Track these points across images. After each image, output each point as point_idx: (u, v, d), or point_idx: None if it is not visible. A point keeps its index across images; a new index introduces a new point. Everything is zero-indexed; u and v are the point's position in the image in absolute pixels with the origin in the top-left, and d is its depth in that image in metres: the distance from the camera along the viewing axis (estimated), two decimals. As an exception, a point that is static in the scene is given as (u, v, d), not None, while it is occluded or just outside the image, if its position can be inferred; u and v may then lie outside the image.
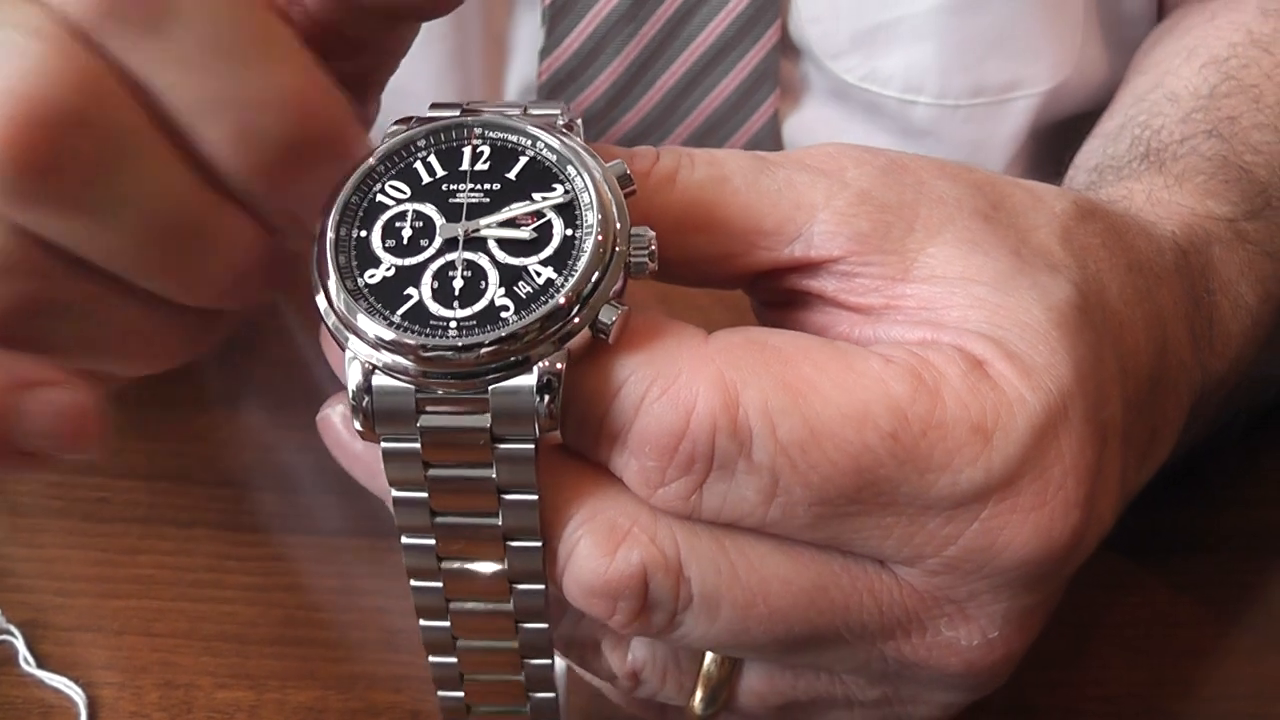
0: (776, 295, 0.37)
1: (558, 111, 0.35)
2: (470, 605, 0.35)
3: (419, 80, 0.66)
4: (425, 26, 0.64)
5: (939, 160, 0.37)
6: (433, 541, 0.34)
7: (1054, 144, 0.71)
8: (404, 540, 0.34)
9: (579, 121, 0.35)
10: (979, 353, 0.33)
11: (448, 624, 0.35)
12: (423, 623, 0.35)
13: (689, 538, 0.33)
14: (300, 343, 0.37)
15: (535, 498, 0.32)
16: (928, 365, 0.32)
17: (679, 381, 0.31)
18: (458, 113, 0.35)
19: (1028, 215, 0.37)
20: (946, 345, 0.33)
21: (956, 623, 0.34)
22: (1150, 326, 0.38)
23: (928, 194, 0.35)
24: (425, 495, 0.33)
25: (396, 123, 0.35)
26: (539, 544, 0.33)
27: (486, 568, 0.34)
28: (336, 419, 0.35)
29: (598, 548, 0.32)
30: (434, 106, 0.36)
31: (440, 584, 0.34)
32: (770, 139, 0.68)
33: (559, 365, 0.31)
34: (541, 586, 0.34)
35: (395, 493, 0.33)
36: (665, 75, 0.67)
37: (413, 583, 0.34)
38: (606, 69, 0.66)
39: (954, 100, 0.67)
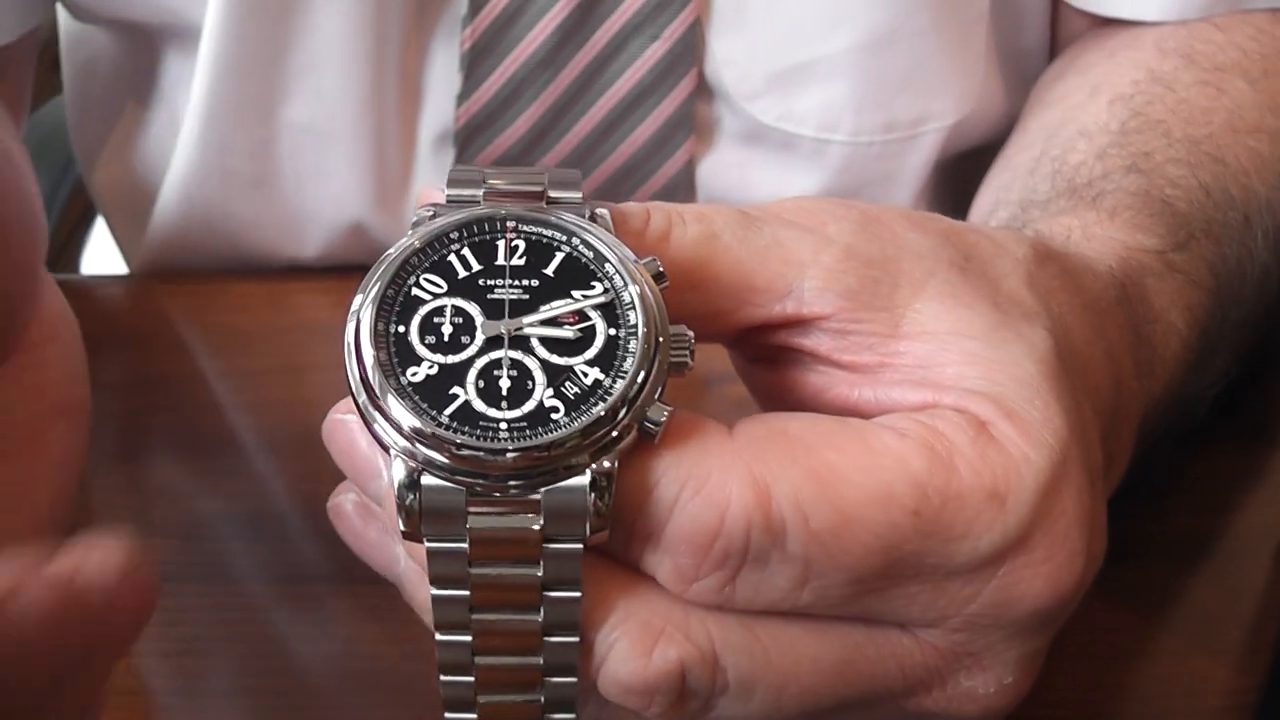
0: (764, 352, 0.38)
1: (580, 196, 0.35)
2: (499, 697, 0.35)
3: (336, 123, 0.67)
4: (342, 71, 0.66)
5: (905, 210, 0.38)
6: (468, 638, 0.33)
7: (954, 175, 0.74)
8: (439, 637, 0.33)
9: (606, 214, 0.35)
10: (981, 413, 0.34)
11: (474, 716, 0.35)
12: (448, 715, 0.35)
13: (721, 629, 0.33)
14: None
15: (579, 594, 0.32)
16: (939, 436, 0.33)
17: (711, 481, 0.32)
18: (479, 185, 0.35)
19: (995, 263, 0.38)
20: (950, 410, 0.34)
21: (974, 673, 0.35)
22: (1107, 362, 0.40)
23: (905, 248, 0.36)
24: (466, 593, 0.32)
25: (423, 206, 0.35)
26: (576, 639, 0.33)
27: (521, 662, 0.34)
28: (349, 507, 0.35)
29: (634, 648, 0.33)
30: (455, 171, 0.36)
31: (471, 678, 0.34)
32: (685, 183, 0.69)
33: (608, 464, 0.31)
34: (573, 679, 0.34)
35: (435, 591, 0.32)
36: (582, 121, 0.68)
37: (443, 677, 0.34)
38: (524, 114, 0.67)
39: (868, 137, 0.69)
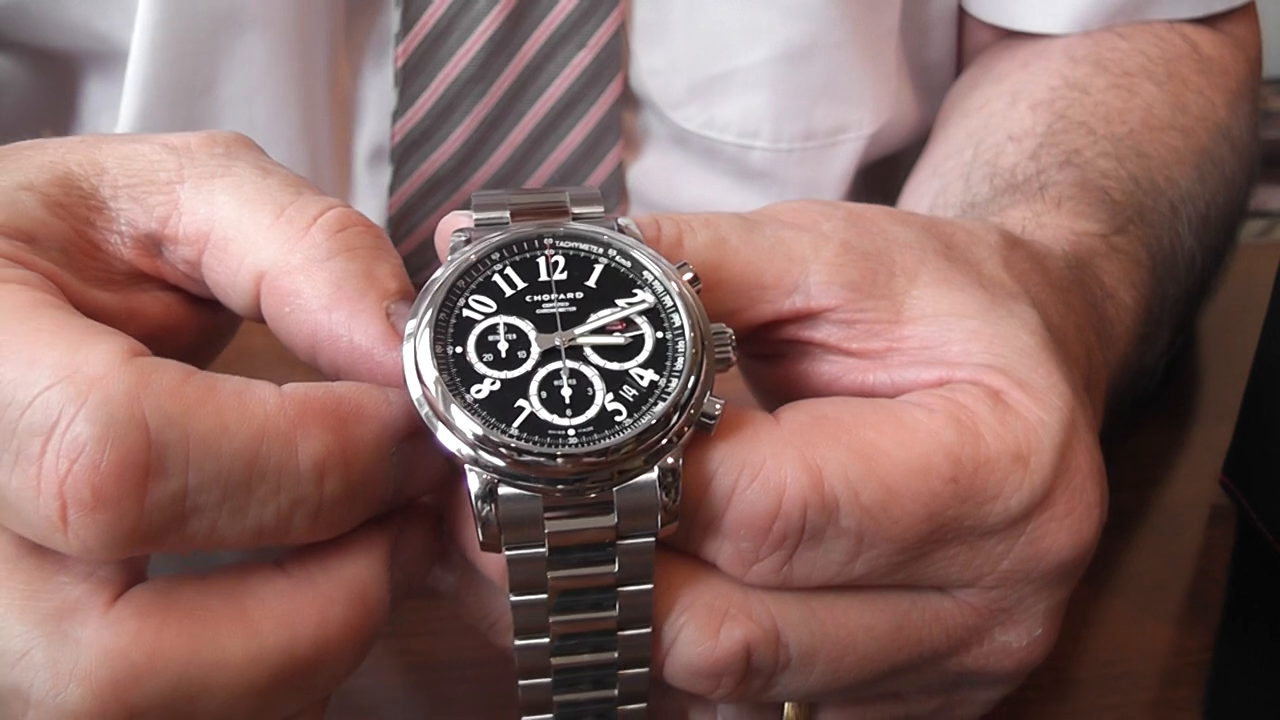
0: (770, 348, 0.40)
1: (602, 210, 0.37)
2: (574, 695, 0.36)
3: (274, 147, 0.67)
4: (277, 95, 0.66)
5: (884, 207, 0.41)
6: (546, 640, 0.34)
7: (871, 181, 0.77)
8: (518, 642, 0.34)
9: (631, 224, 0.36)
10: (994, 384, 0.36)
11: (550, 716, 0.36)
12: (526, 719, 0.36)
13: (780, 606, 0.35)
14: None
15: (650, 586, 0.34)
16: (962, 408, 0.35)
17: (766, 467, 0.33)
18: (505, 207, 0.36)
19: (972, 249, 0.40)
20: (966, 383, 0.36)
21: (1008, 628, 0.37)
22: (1078, 335, 0.43)
23: (893, 240, 0.39)
24: (544, 597, 0.33)
25: (456, 231, 0.36)
26: (649, 630, 0.34)
27: (596, 658, 0.35)
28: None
29: (701, 632, 0.34)
30: (478, 196, 0.37)
31: (549, 679, 0.35)
32: (616, 188, 0.71)
33: (671, 460, 0.32)
34: (646, 670, 0.35)
35: (514, 598, 0.33)
36: (515, 131, 0.69)
37: (521, 682, 0.35)
38: (459, 127, 0.68)
39: (787, 144, 0.71)
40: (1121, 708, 0.48)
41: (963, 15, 0.76)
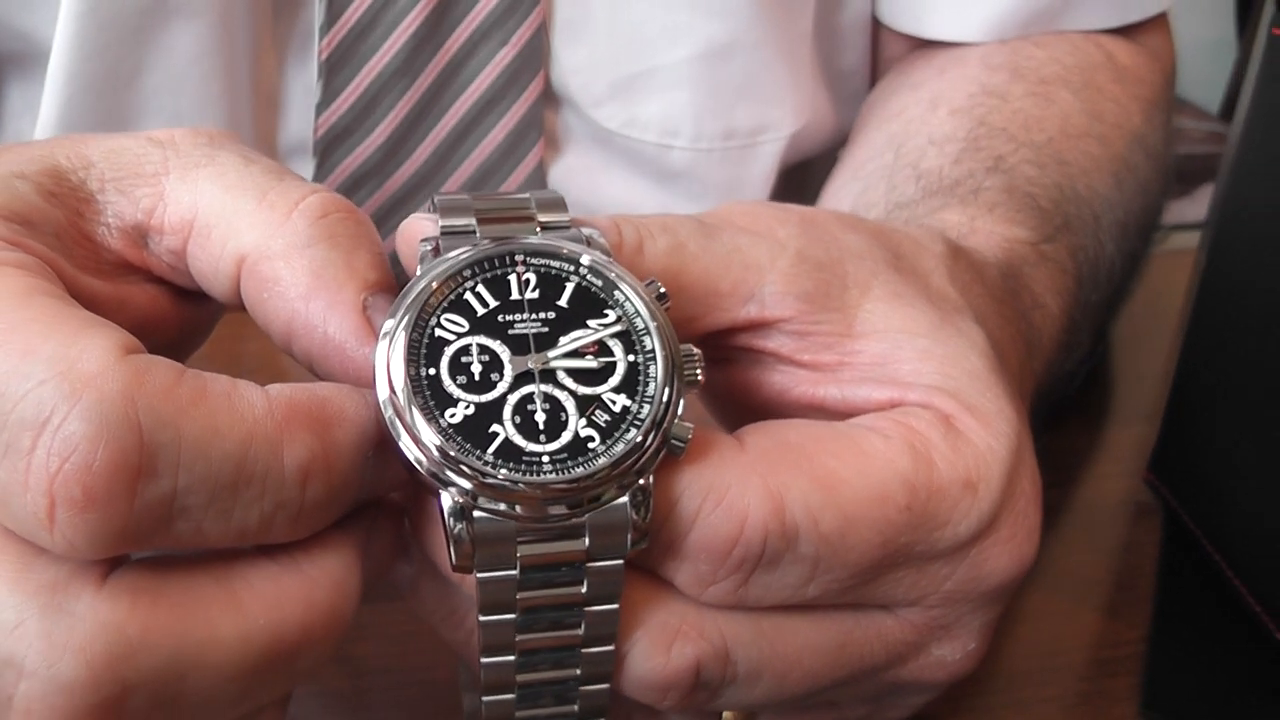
0: (721, 353, 0.40)
1: (568, 218, 0.36)
2: (536, 711, 0.36)
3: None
4: (201, 87, 0.64)
5: (834, 211, 0.41)
6: (513, 658, 0.34)
7: (788, 185, 0.77)
8: (484, 660, 0.34)
9: (596, 234, 0.36)
10: (945, 408, 0.37)
11: None
12: None
13: (731, 625, 0.36)
14: None
15: (616, 606, 0.34)
16: (916, 435, 0.36)
17: (730, 493, 0.34)
18: (470, 213, 0.36)
19: (919, 260, 0.41)
20: (917, 406, 0.37)
21: (944, 643, 0.38)
22: (1013, 348, 0.44)
23: (846, 250, 0.39)
24: (513, 617, 0.33)
25: (423, 240, 0.36)
26: (613, 648, 0.35)
27: (560, 674, 0.35)
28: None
29: (653, 647, 0.35)
30: (443, 200, 0.36)
31: (512, 695, 0.35)
32: (537, 186, 0.71)
33: (643, 481, 0.33)
34: (607, 686, 0.36)
35: (483, 618, 0.33)
36: (438, 127, 0.68)
37: (485, 698, 0.35)
38: (383, 122, 0.67)
39: (707, 144, 0.72)
40: (1061, 698, 0.49)
41: (877, 26, 0.77)
